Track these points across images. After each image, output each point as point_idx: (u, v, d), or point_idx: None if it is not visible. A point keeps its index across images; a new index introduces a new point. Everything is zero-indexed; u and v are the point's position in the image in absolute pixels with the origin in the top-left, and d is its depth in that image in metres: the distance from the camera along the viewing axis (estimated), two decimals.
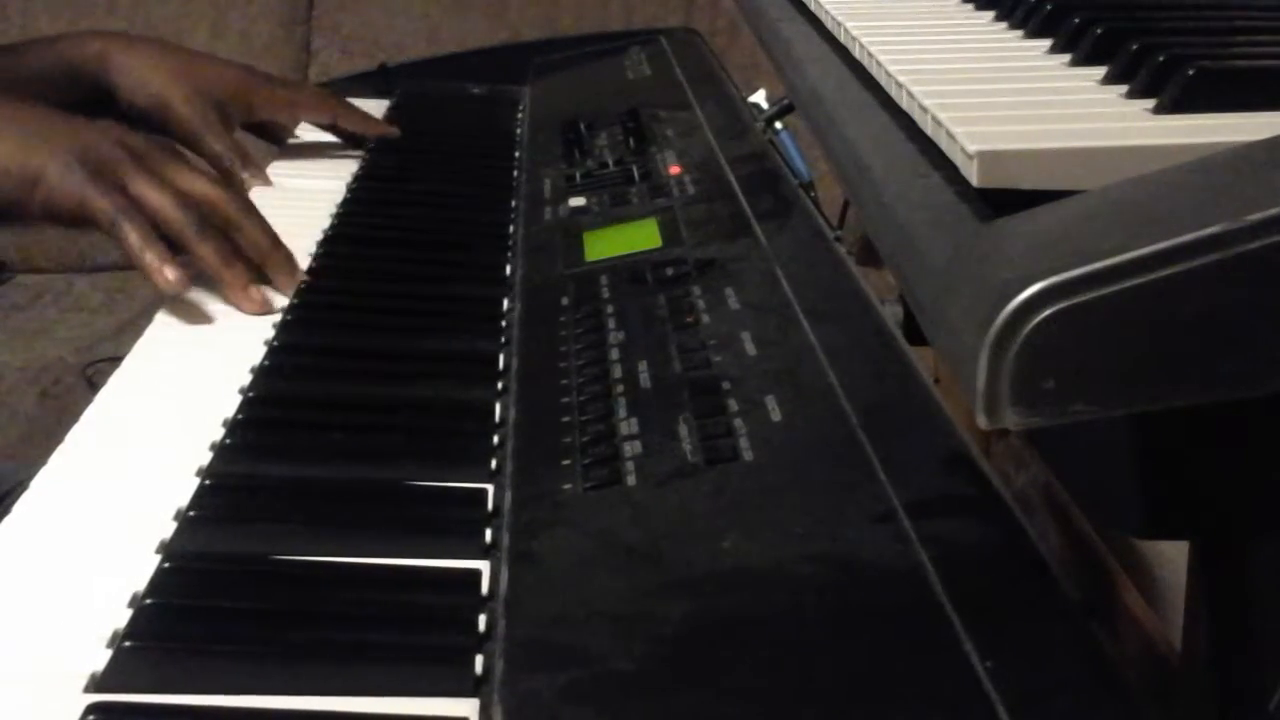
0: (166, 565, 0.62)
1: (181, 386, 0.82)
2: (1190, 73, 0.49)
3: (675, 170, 1.08)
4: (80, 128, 0.94)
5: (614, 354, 0.78)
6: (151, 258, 0.89)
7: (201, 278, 0.93)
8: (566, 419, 0.72)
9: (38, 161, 0.91)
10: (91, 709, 0.53)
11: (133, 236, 0.89)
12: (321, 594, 0.62)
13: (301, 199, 1.14)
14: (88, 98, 1.17)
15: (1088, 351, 0.36)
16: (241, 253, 0.93)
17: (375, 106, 1.44)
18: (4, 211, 0.93)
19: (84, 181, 0.90)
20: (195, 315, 0.91)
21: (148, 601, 0.59)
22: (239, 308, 0.91)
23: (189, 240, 0.91)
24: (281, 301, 0.93)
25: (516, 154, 1.27)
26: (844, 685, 0.50)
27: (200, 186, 0.94)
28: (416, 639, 0.58)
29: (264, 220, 0.96)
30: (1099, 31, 0.58)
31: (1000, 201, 0.45)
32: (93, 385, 0.86)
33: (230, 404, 0.78)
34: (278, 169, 1.23)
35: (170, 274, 0.88)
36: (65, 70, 1.18)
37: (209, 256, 0.91)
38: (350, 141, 1.29)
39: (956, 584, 0.53)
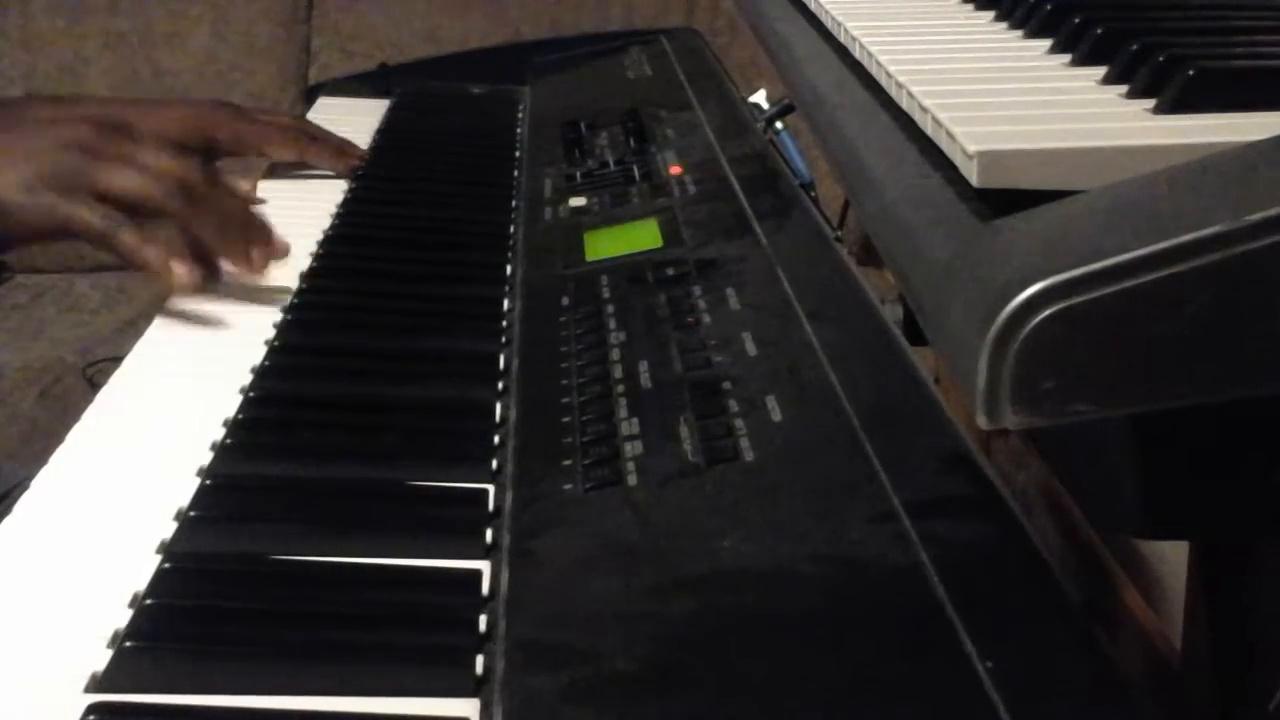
0: (167, 565, 0.62)
1: (182, 386, 0.82)
2: (1190, 73, 0.49)
3: (676, 170, 1.08)
4: (25, 137, 0.89)
5: (614, 354, 0.78)
6: (155, 256, 0.86)
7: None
8: (567, 419, 0.72)
9: None
10: (92, 709, 0.53)
11: (128, 240, 0.86)
12: (322, 594, 0.62)
13: (301, 199, 1.14)
14: None
15: (1088, 351, 0.36)
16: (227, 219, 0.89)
17: (375, 106, 1.44)
18: None
19: (55, 199, 0.86)
20: (195, 315, 0.91)
21: (148, 601, 0.59)
22: (245, 270, 0.88)
23: (178, 212, 0.87)
24: (282, 273, 0.92)
25: (517, 154, 1.27)
26: (844, 685, 0.50)
27: (165, 161, 0.89)
28: (417, 639, 0.58)
29: (232, 187, 0.92)
30: (1099, 31, 0.58)
31: (1000, 201, 0.45)
32: (93, 385, 0.85)
33: (231, 404, 0.78)
34: (279, 169, 1.23)
35: (179, 268, 0.86)
36: None
37: (204, 226, 0.88)
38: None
39: (957, 584, 0.53)
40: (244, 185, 1.01)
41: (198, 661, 0.56)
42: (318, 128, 1.24)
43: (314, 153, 1.20)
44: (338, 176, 1.20)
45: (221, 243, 0.88)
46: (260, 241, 0.90)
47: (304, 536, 0.65)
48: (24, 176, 0.86)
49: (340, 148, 1.22)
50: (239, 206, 0.90)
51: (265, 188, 1.17)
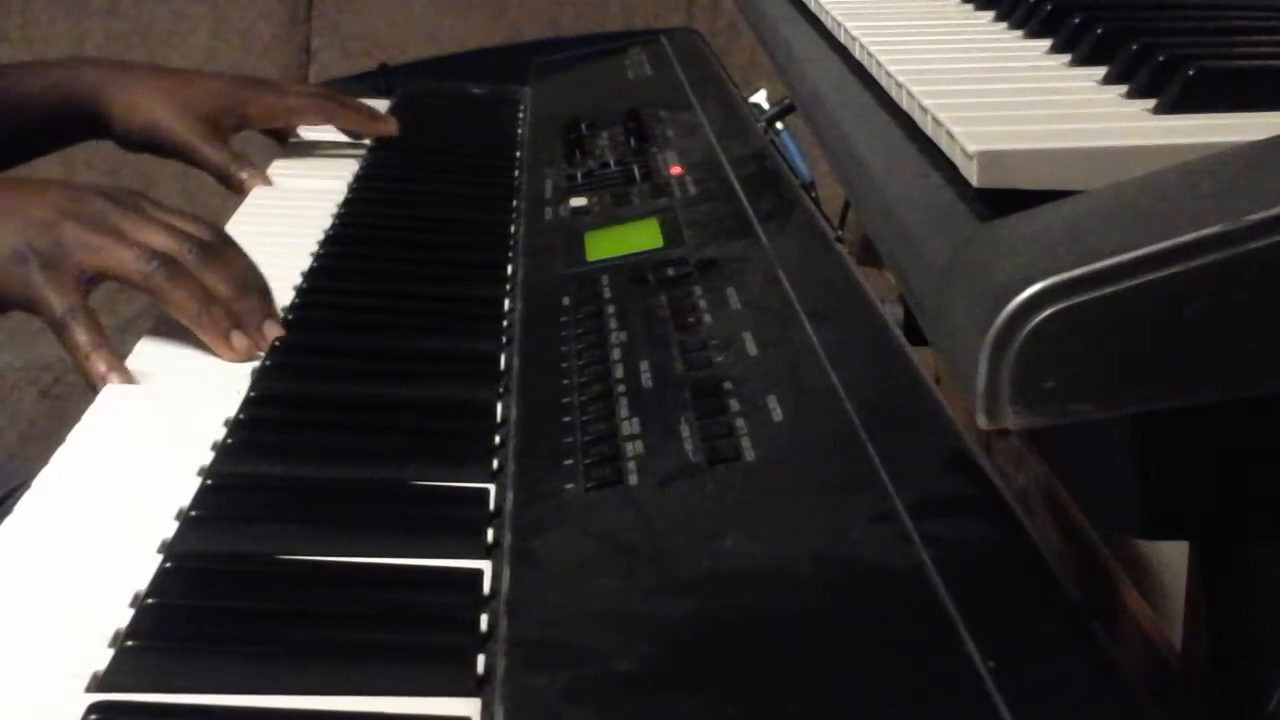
0: (168, 565, 0.62)
1: (183, 386, 0.82)
2: (1190, 73, 0.49)
3: (676, 170, 1.08)
4: (29, 203, 0.87)
5: (615, 354, 0.78)
6: (98, 364, 0.82)
7: None
8: (568, 419, 0.72)
9: None
10: (93, 708, 0.53)
11: (80, 337, 0.83)
12: (323, 594, 0.62)
13: (301, 199, 1.14)
14: (82, 125, 1.20)
15: (1088, 351, 0.36)
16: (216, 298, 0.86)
17: (375, 106, 1.44)
18: None
19: (34, 271, 0.84)
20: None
21: (149, 601, 0.59)
22: (221, 356, 0.85)
23: (160, 290, 0.85)
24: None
25: (517, 154, 1.27)
26: (845, 685, 0.50)
27: (159, 238, 0.87)
28: (418, 639, 0.58)
29: (238, 262, 0.89)
30: (1099, 31, 0.58)
31: (1000, 201, 0.45)
32: (93, 385, 0.85)
33: (231, 404, 0.78)
34: (279, 169, 1.23)
35: (116, 380, 0.82)
36: (61, 99, 1.19)
37: (183, 304, 0.85)
38: (352, 136, 1.30)
39: (958, 584, 0.53)
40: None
41: (199, 661, 0.56)
42: (345, 96, 1.30)
43: (344, 118, 1.27)
44: (368, 139, 1.29)
45: (199, 323, 0.85)
46: (251, 325, 0.86)
47: (304, 536, 0.65)
48: (15, 243, 0.84)
49: (368, 114, 1.29)
50: (227, 290, 0.87)
51: (266, 189, 1.17)
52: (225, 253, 0.89)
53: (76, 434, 0.76)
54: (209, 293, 0.86)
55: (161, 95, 1.18)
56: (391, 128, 1.29)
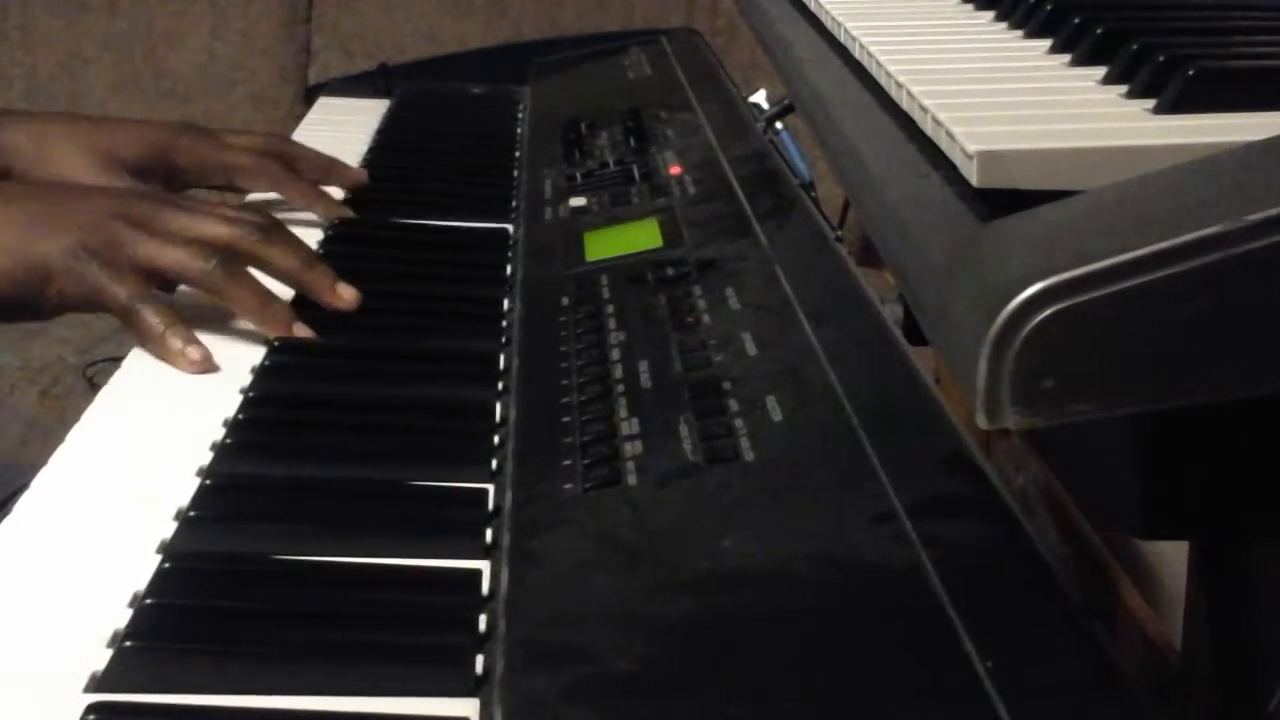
0: (167, 565, 0.62)
1: (182, 386, 0.82)
2: (1190, 73, 0.49)
3: (676, 170, 1.08)
4: (79, 205, 0.88)
5: (614, 354, 0.78)
6: (173, 341, 0.84)
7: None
8: (567, 419, 0.72)
9: (42, 253, 0.84)
10: (92, 709, 0.53)
11: (152, 322, 0.84)
12: (321, 594, 0.62)
13: None
14: None
15: (1088, 351, 0.36)
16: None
17: (375, 106, 1.44)
18: (17, 308, 0.86)
19: (95, 270, 0.84)
20: (196, 316, 0.91)
21: (148, 601, 0.59)
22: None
23: (220, 289, 0.86)
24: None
25: (517, 154, 1.27)
26: (844, 685, 0.50)
27: (214, 229, 0.88)
28: (417, 639, 0.58)
29: (290, 239, 0.90)
30: (1099, 31, 0.58)
31: (1000, 201, 0.45)
32: (93, 385, 0.85)
33: (231, 404, 0.78)
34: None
35: (195, 355, 0.83)
36: None
37: (245, 300, 0.86)
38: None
39: (957, 584, 0.53)
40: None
41: (198, 661, 0.56)
42: (300, 147, 1.14)
43: (293, 188, 1.09)
44: (317, 218, 1.09)
45: (263, 318, 0.87)
46: (324, 291, 0.89)
47: (304, 536, 0.65)
48: (68, 244, 0.85)
49: (327, 167, 1.14)
50: (292, 264, 0.89)
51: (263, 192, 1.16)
52: (282, 230, 0.91)
53: (76, 434, 0.76)
54: (267, 287, 0.87)
55: (76, 148, 1.05)
56: (342, 210, 1.10)
